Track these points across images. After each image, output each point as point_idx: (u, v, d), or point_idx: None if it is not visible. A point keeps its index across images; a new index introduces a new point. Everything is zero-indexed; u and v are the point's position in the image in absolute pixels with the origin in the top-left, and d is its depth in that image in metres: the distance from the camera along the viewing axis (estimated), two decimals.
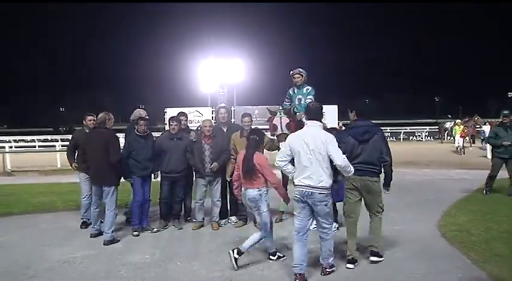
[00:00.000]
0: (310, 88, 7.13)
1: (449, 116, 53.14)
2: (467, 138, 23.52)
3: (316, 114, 4.91)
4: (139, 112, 7.15)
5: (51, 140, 34.57)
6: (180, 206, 7.06)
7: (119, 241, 6.31)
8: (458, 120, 22.39)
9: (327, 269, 4.89)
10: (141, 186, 6.63)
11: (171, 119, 6.84)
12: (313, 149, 4.62)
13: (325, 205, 4.70)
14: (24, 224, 7.52)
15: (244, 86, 36.24)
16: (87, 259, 5.51)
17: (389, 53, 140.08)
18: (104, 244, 6.14)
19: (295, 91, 7.20)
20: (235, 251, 5.12)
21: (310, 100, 7.00)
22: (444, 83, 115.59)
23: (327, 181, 4.64)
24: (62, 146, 22.32)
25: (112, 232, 6.27)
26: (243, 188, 5.41)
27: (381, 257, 5.16)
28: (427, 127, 37.18)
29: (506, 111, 9.15)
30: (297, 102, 7.14)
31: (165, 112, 25.45)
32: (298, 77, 7.11)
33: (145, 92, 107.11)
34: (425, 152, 18.46)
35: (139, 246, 6.06)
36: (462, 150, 20.21)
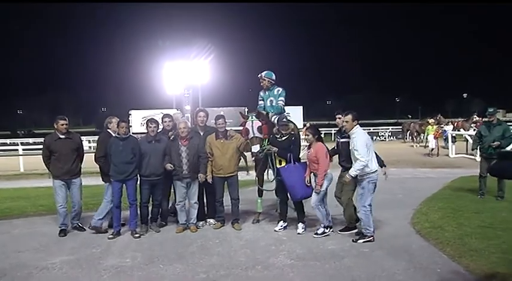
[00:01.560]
0: (280, 90, 7.25)
1: (410, 116, 54.39)
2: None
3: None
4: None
5: (10, 144, 33.38)
6: (157, 210, 6.97)
7: (106, 231, 6.78)
8: (431, 120, 21.31)
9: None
10: (119, 190, 6.56)
11: (150, 121, 6.74)
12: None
13: None
14: None
15: (209, 87, 36.04)
16: (67, 265, 5.38)
17: (352, 55, 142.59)
18: (89, 228, 6.83)
19: (266, 93, 7.32)
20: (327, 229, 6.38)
21: (281, 102, 7.15)
22: (404, 84, 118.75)
23: None
24: (24, 150, 21.46)
25: (100, 219, 6.82)
26: (326, 171, 6.22)
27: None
28: (390, 127, 38.11)
29: (491, 110, 8.72)
30: (268, 104, 7.24)
31: (130, 114, 25.01)
32: (262, 82, 7.27)
33: (108, 94, 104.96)
34: (390, 152, 18.78)
35: (118, 250, 5.97)
36: (437, 152, 19.08)
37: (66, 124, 6.81)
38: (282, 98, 7.20)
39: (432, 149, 19.22)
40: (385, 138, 34.16)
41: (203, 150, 6.80)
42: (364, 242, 5.93)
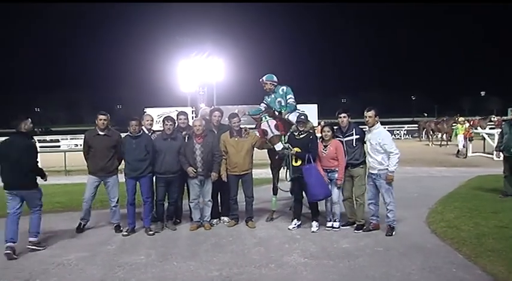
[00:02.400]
0: (285, 88, 7.20)
1: (426, 114, 53.62)
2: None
3: None
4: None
5: None
6: (173, 208, 6.99)
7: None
8: (461, 118, 19.93)
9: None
10: (133, 187, 6.60)
11: (166, 119, 6.75)
12: None
13: None
14: None
15: (224, 85, 36.09)
16: (82, 261, 5.45)
17: (366, 52, 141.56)
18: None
19: (272, 96, 7.24)
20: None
21: (291, 99, 7.09)
22: (419, 81, 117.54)
23: None
24: (41, 147, 21.71)
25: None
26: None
27: None
28: (405, 125, 37.65)
29: None
30: (277, 106, 7.14)
31: (145, 112, 25.11)
32: (265, 86, 7.22)
33: (123, 91, 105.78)
34: (405, 151, 18.52)
35: (132, 247, 6.01)
36: (465, 153, 17.92)
37: (104, 119, 6.70)
38: (291, 95, 7.14)
39: (459, 150, 18.31)
40: (400, 136, 33.67)
41: (217, 148, 6.80)
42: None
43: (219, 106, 10.91)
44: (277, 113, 6.94)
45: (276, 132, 6.69)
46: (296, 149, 6.48)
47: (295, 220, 6.78)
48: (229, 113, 7.14)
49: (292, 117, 6.83)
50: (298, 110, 7.12)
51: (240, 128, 6.94)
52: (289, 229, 6.67)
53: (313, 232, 6.47)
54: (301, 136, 6.57)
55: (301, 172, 6.40)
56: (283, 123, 6.86)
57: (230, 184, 6.94)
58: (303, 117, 6.59)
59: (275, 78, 7.25)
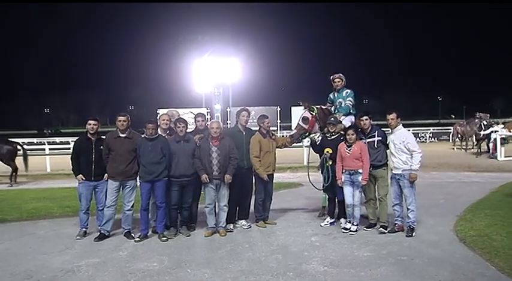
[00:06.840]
0: (349, 91, 7.44)
1: (453, 116, 51.97)
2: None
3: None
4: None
5: (37, 144, 33.13)
6: (188, 213, 6.75)
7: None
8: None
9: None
10: (148, 191, 6.39)
11: (178, 121, 6.58)
12: None
13: None
14: (21, 231, 7.18)
15: (240, 86, 35.61)
16: (92, 267, 5.28)
17: (389, 52, 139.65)
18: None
19: (335, 95, 7.51)
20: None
21: (349, 102, 7.36)
22: (447, 82, 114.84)
23: None
24: (50, 149, 21.31)
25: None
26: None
27: None
28: (431, 128, 36.58)
29: None
30: (338, 106, 7.41)
31: (158, 113, 25.05)
32: (339, 81, 7.44)
33: (136, 92, 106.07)
34: (431, 155, 17.93)
35: (145, 253, 5.82)
36: None
37: (124, 121, 6.52)
38: (350, 99, 7.38)
39: None
40: (425, 140, 32.54)
41: (234, 151, 6.64)
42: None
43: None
44: (322, 111, 7.28)
45: (301, 123, 7.18)
46: (328, 149, 6.76)
47: (329, 217, 7.01)
48: (258, 115, 7.45)
49: (346, 122, 7.11)
50: (354, 114, 7.34)
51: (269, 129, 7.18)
52: (321, 225, 6.91)
53: (344, 228, 6.64)
54: (332, 138, 6.85)
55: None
56: (319, 121, 7.19)
57: (262, 185, 7.03)
58: (332, 119, 6.87)
59: (343, 77, 7.51)
